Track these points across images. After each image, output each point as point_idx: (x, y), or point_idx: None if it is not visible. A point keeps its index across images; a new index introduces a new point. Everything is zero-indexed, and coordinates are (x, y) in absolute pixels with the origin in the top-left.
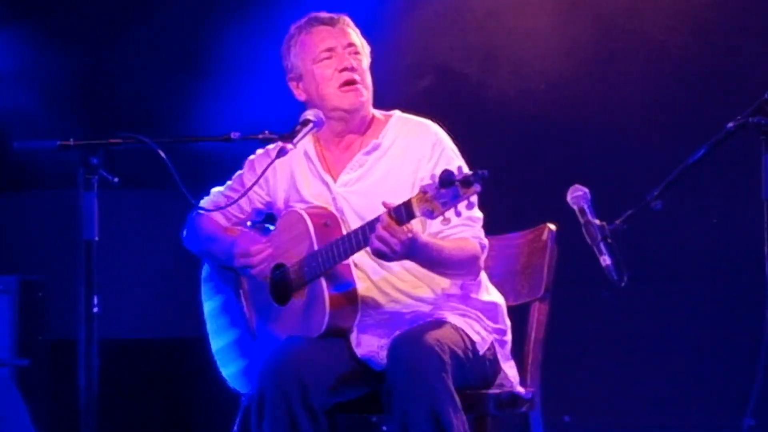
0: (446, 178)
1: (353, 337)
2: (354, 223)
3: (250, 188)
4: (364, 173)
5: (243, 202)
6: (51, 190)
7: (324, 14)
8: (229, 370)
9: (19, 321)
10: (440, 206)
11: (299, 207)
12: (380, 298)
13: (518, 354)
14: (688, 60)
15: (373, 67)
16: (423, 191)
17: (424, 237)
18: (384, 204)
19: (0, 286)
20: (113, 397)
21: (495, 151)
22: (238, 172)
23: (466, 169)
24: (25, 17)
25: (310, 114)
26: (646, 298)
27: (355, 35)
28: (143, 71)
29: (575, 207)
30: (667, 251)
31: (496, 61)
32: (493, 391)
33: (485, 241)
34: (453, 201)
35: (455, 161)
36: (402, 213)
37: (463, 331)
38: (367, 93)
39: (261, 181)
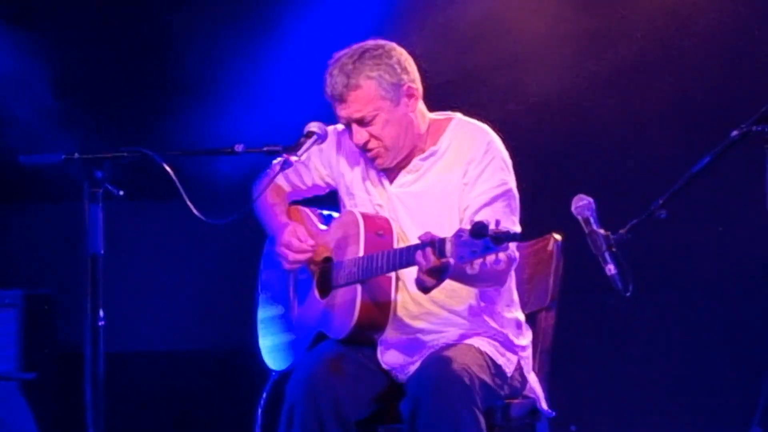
0: (478, 230)
1: (379, 349)
2: (406, 223)
3: (259, 196)
4: (419, 176)
5: (304, 173)
6: (57, 203)
7: (334, 83)
8: (265, 342)
9: (26, 335)
10: (469, 253)
11: (359, 210)
12: (414, 309)
13: None
14: (691, 69)
15: None
16: (458, 234)
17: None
18: (420, 237)
19: (6, 300)
20: (121, 410)
21: None
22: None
23: (512, 184)
24: (20, 25)
25: (314, 126)
26: (651, 308)
27: (364, 99)
28: (145, 84)
29: (580, 217)
30: (671, 260)
31: (499, 71)
32: (500, 402)
33: (515, 255)
34: (482, 252)
35: (502, 173)
36: (435, 248)
37: (488, 355)
38: (390, 151)
39: (327, 163)
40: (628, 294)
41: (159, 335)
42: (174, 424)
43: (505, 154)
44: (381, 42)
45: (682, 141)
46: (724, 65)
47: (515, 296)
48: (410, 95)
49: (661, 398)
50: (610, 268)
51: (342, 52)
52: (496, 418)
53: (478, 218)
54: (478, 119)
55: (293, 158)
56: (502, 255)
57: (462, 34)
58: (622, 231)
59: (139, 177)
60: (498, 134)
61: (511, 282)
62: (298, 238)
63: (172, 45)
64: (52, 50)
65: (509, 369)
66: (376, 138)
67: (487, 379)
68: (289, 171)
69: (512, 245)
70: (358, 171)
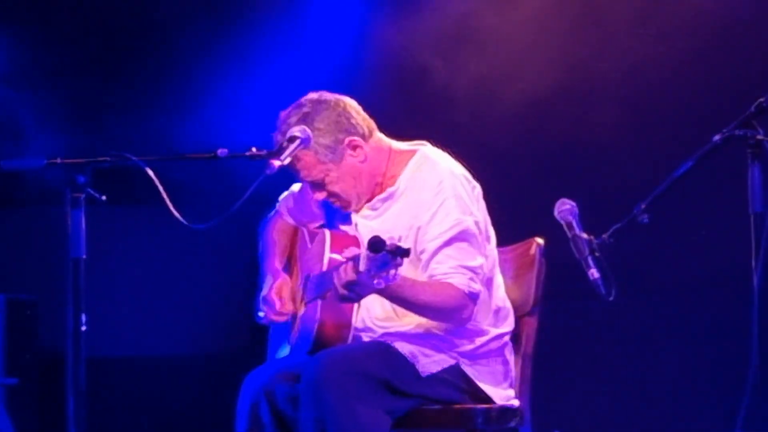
0: (373, 245)
1: None
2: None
3: (242, 201)
4: (378, 215)
5: (314, 206)
6: (40, 207)
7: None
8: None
9: (7, 340)
10: (375, 268)
11: (328, 229)
12: (379, 316)
13: None
14: (674, 74)
15: (363, 85)
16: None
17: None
18: (343, 255)
19: None
20: (103, 416)
21: (482, 166)
22: None
23: (469, 221)
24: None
25: (296, 131)
26: (634, 312)
27: (308, 167)
28: (130, 88)
29: (562, 221)
30: (654, 265)
31: (483, 76)
32: (482, 405)
33: (475, 290)
34: (382, 267)
35: (456, 213)
36: (355, 263)
37: (402, 354)
38: (350, 202)
39: None
40: (611, 298)
41: (141, 340)
42: (156, 430)
43: (462, 188)
44: (311, 97)
45: (664, 145)
46: (708, 69)
47: (495, 307)
48: (354, 147)
49: (645, 402)
50: (593, 273)
51: (283, 113)
52: (477, 422)
53: (433, 261)
54: (461, 124)
55: (276, 162)
56: (395, 273)
57: (444, 41)
58: (605, 235)
59: (121, 182)
60: (481, 139)
61: (490, 299)
62: (281, 298)
63: (156, 48)
64: (31, 52)
65: (429, 369)
66: (334, 195)
67: (387, 374)
68: (292, 206)
69: (473, 284)
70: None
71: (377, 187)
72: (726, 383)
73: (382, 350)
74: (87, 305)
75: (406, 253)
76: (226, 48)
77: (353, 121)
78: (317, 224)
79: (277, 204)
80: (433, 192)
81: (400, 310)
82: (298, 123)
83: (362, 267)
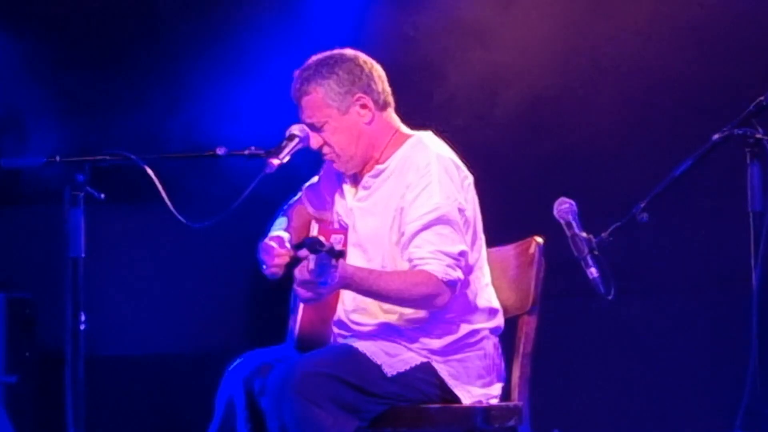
0: (310, 245)
1: None
2: (353, 238)
3: (241, 200)
4: (370, 194)
5: (328, 195)
6: (39, 205)
7: (293, 86)
8: None
9: (7, 338)
10: (318, 267)
11: (316, 225)
12: (349, 306)
13: (507, 368)
14: (674, 73)
15: None
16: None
17: (351, 269)
18: (297, 252)
19: None
20: (102, 415)
21: (481, 164)
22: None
23: (448, 207)
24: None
25: (295, 129)
26: (633, 311)
27: (313, 105)
28: (129, 86)
29: (562, 220)
30: (653, 263)
31: (483, 74)
32: (481, 404)
33: (453, 277)
34: (324, 268)
35: (438, 198)
36: (308, 262)
37: (365, 356)
38: (341, 157)
39: (334, 180)
40: (610, 297)
41: (141, 339)
42: (155, 429)
43: (449, 174)
44: (347, 51)
45: (664, 144)
46: (708, 68)
47: (476, 305)
48: (363, 105)
49: (644, 401)
50: (592, 272)
51: (312, 59)
52: (477, 421)
53: (411, 245)
54: (462, 124)
55: (275, 161)
56: (335, 273)
57: (445, 40)
58: (604, 234)
59: (120, 180)
60: (481, 138)
61: (470, 292)
62: (277, 243)
63: (154, 46)
64: (29, 50)
65: (396, 368)
66: (329, 144)
67: (351, 377)
68: (310, 193)
69: (451, 271)
70: (338, 189)
71: (371, 161)
72: (726, 383)
73: (345, 353)
74: (86, 304)
75: (339, 254)
76: (225, 46)
77: (373, 85)
78: (329, 214)
79: (300, 192)
80: (420, 174)
81: (366, 300)
82: (320, 66)
83: (310, 266)
